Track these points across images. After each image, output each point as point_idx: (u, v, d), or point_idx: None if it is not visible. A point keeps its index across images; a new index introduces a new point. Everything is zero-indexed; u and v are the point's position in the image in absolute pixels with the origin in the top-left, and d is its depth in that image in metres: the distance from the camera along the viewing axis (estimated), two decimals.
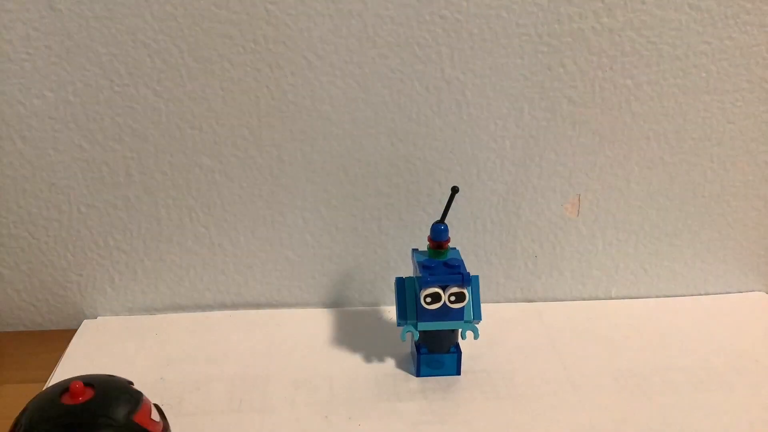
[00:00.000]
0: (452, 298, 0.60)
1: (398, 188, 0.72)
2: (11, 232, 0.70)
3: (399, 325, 0.63)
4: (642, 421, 0.59)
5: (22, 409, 0.49)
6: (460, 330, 0.64)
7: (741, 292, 0.78)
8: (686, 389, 0.63)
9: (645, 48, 0.67)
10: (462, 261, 0.62)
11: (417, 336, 0.63)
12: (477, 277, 0.63)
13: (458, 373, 0.64)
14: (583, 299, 0.77)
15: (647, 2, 0.66)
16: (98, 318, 0.73)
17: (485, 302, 0.75)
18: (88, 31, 0.63)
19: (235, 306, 0.75)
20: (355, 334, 0.70)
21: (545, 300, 0.77)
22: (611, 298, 0.77)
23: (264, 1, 0.64)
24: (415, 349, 0.65)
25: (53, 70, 0.65)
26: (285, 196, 0.71)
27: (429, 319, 0.62)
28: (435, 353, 0.64)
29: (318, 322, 0.73)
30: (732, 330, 0.72)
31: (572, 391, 0.63)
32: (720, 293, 0.78)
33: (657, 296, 0.78)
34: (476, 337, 0.63)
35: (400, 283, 0.64)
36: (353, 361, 0.66)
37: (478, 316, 0.63)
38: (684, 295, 0.78)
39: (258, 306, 0.75)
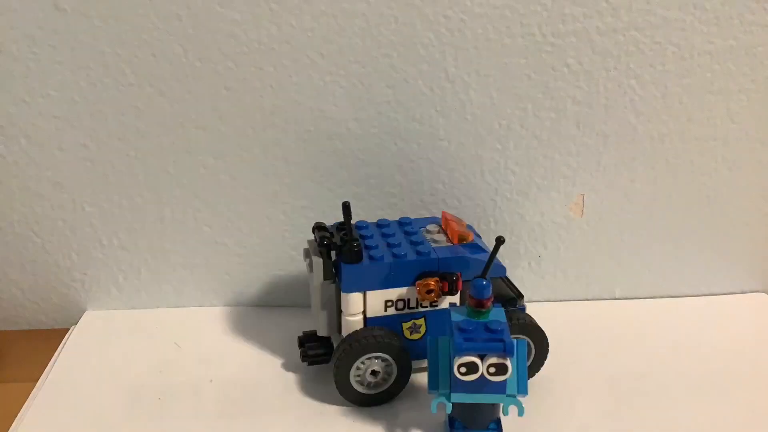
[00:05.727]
0: (491, 370, 0.50)
1: (402, 188, 0.72)
2: (15, 230, 0.70)
3: (430, 393, 0.54)
4: (646, 421, 0.59)
5: None
6: (501, 404, 0.54)
7: (744, 293, 0.78)
8: (689, 389, 0.63)
9: (649, 48, 0.67)
10: (507, 324, 0.52)
11: (450, 408, 0.53)
12: (524, 342, 0.55)
13: None
14: (587, 299, 0.77)
15: (651, 2, 0.66)
16: (93, 311, 0.73)
17: None
18: (92, 30, 0.64)
19: (238, 305, 0.75)
20: None
21: (549, 300, 0.77)
22: (615, 299, 0.77)
23: (268, 0, 0.64)
24: (448, 422, 0.55)
25: (58, 70, 0.65)
26: (289, 196, 0.71)
27: (464, 390, 0.52)
28: (471, 429, 0.54)
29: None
30: (735, 331, 0.71)
31: (576, 392, 0.62)
32: (723, 294, 0.78)
33: (661, 296, 0.77)
34: (521, 413, 0.52)
35: (433, 344, 0.55)
36: None
37: (523, 390, 0.53)
38: (688, 296, 0.77)
39: (262, 305, 0.75)
